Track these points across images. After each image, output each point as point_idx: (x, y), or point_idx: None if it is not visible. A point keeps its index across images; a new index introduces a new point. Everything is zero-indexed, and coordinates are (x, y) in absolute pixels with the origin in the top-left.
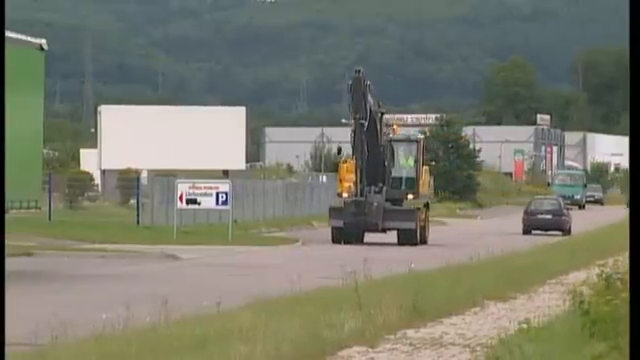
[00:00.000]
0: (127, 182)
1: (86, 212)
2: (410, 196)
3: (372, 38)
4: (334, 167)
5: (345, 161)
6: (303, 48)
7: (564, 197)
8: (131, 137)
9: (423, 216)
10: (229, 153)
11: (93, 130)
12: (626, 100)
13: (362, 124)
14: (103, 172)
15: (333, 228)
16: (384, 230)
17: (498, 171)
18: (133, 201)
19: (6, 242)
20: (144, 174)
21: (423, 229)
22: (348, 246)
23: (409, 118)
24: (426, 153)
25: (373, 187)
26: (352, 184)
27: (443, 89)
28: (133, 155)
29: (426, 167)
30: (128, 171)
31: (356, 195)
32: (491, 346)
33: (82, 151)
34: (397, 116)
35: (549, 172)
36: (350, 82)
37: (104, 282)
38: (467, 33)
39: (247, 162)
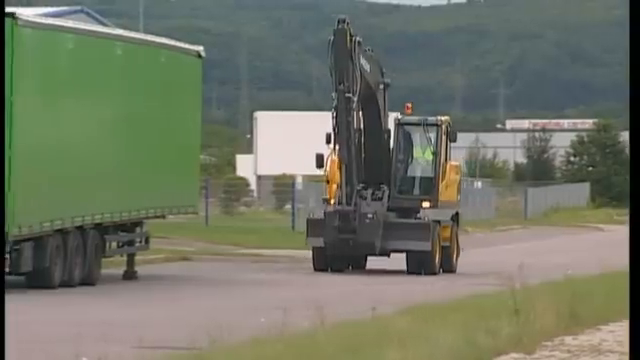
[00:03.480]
0: (282, 187)
1: (242, 217)
2: (426, 204)
3: (528, 42)
4: (317, 162)
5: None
6: (458, 53)
7: None
8: (286, 143)
9: (448, 234)
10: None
11: (249, 136)
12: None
13: (349, 99)
14: (259, 177)
15: (313, 249)
16: (386, 253)
17: None
18: (288, 206)
19: (165, 247)
20: (299, 179)
21: (447, 251)
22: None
23: (565, 123)
24: (449, 143)
25: (372, 191)
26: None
27: (600, 94)
28: (288, 160)
29: (454, 163)
30: (283, 176)
31: (341, 202)
32: None
33: (238, 157)
34: (554, 121)
35: None
36: (331, 38)
37: (260, 287)
38: (624, 37)
39: None
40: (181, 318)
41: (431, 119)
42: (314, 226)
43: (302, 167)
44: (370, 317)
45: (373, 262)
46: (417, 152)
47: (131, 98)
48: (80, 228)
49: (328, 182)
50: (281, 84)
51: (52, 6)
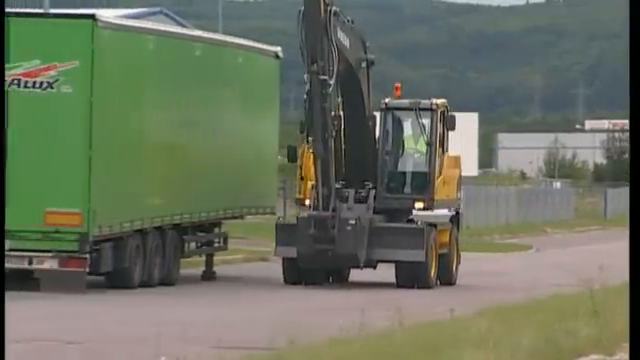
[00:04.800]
0: None
1: None
2: (419, 204)
3: (607, 42)
4: (290, 156)
5: (310, 148)
6: (537, 53)
7: None
8: None
9: (446, 238)
10: (461, 159)
11: None
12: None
13: (324, 82)
14: None
15: (284, 260)
16: (371, 265)
17: None
18: None
19: (244, 247)
20: None
21: (445, 260)
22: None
23: None
24: (447, 131)
25: (355, 190)
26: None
27: None
28: None
29: (453, 155)
30: None
31: (316, 205)
32: None
33: None
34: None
35: None
36: (301, 8)
37: (338, 287)
38: None
39: (479, 168)
40: (259, 318)
41: (424, 102)
42: (285, 233)
43: None
44: (449, 318)
45: (356, 273)
46: (408, 142)
47: (209, 99)
48: (159, 228)
49: (303, 179)
50: None
51: (131, 7)
